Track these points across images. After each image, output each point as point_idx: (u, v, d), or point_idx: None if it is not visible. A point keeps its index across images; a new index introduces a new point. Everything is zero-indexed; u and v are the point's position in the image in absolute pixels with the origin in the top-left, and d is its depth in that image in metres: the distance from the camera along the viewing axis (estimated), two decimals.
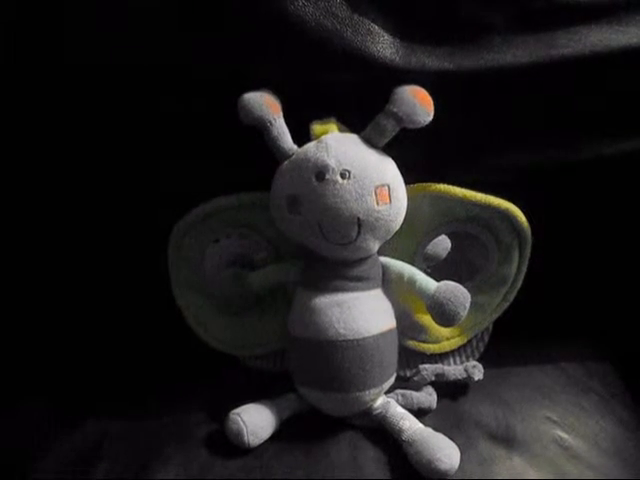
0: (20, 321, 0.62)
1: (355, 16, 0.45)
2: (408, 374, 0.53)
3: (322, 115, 0.47)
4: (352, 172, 0.44)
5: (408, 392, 0.50)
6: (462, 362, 0.54)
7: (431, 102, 0.45)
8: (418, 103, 0.44)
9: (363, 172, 0.44)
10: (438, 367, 0.52)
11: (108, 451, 0.49)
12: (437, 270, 0.53)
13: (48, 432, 0.51)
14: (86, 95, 0.51)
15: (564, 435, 0.48)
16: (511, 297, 0.54)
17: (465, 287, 0.47)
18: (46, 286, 0.63)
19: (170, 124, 0.51)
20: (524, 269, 0.53)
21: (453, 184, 0.50)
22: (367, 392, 0.47)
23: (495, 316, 0.54)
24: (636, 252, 0.58)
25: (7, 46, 0.49)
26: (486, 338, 0.55)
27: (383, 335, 0.47)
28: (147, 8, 0.46)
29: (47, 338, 0.62)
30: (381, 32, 0.46)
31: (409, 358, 0.54)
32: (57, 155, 0.56)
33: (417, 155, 0.49)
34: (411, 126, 0.44)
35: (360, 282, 0.48)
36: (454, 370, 0.52)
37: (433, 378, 0.51)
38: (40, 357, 0.60)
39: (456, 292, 0.47)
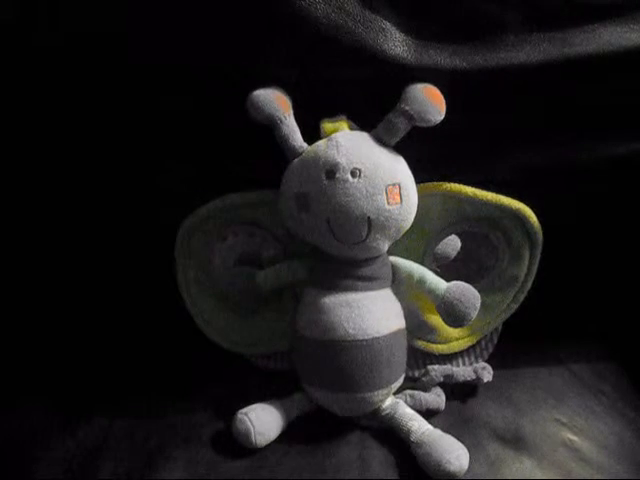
0: (25, 321, 0.62)
1: (367, 13, 0.45)
2: (417, 375, 0.53)
3: (332, 113, 0.47)
4: (363, 171, 0.43)
5: (417, 393, 0.50)
6: (471, 363, 0.54)
7: (443, 100, 0.44)
8: (430, 101, 0.44)
9: (374, 171, 0.44)
10: (447, 368, 0.52)
11: (113, 450, 0.49)
12: (447, 270, 0.52)
13: (52, 431, 0.51)
14: (91, 95, 0.50)
15: (573, 437, 0.48)
16: (521, 298, 0.53)
17: (475, 287, 0.47)
18: (52, 286, 0.63)
19: (178, 122, 0.51)
20: (534, 270, 0.53)
21: (464, 183, 0.49)
22: (376, 392, 0.47)
23: (504, 317, 0.54)
24: None
25: (5, 48, 0.48)
26: (495, 339, 0.55)
27: (392, 335, 0.47)
28: (155, 6, 0.46)
29: (51, 337, 0.62)
30: (393, 29, 0.45)
31: (418, 358, 0.54)
32: (61, 156, 0.55)
33: (428, 154, 0.48)
34: (423, 124, 0.44)
35: (369, 282, 0.47)
36: (463, 371, 0.52)
37: (442, 379, 0.51)
38: (44, 355, 0.60)
39: (466, 293, 0.47)
